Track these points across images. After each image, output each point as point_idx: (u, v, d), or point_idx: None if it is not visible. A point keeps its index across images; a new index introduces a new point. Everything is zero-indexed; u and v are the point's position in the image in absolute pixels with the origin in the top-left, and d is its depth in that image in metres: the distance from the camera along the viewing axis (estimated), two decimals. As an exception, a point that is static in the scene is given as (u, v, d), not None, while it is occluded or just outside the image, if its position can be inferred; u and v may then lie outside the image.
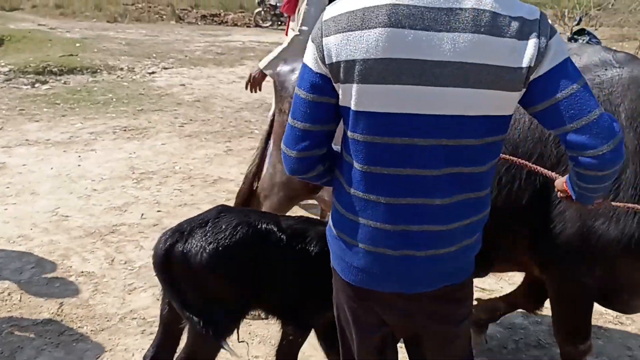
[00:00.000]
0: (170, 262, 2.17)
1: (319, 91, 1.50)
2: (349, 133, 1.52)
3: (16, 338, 3.06)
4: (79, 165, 5.54)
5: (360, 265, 1.64)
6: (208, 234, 2.14)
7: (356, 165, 1.53)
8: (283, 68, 3.31)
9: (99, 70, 9.54)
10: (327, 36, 1.45)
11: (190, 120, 7.18)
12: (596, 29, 13.96)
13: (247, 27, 17.62)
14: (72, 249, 3.99)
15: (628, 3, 18.29)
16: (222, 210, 2.29)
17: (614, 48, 2.63)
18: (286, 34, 4.57)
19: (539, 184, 2.28)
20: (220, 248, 2.13)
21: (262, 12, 17.61)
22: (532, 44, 1.38)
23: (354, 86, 1.43)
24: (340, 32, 1.42)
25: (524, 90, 1.44)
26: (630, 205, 2.14)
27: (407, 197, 1.52)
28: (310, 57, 1.50)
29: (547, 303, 3.62)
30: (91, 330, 3.14)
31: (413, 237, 1.56)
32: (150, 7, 17.41)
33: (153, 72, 9.81)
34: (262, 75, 4.15)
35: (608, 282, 2.38)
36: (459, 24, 1.36)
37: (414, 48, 1.37)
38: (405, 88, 1.40)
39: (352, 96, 1.45)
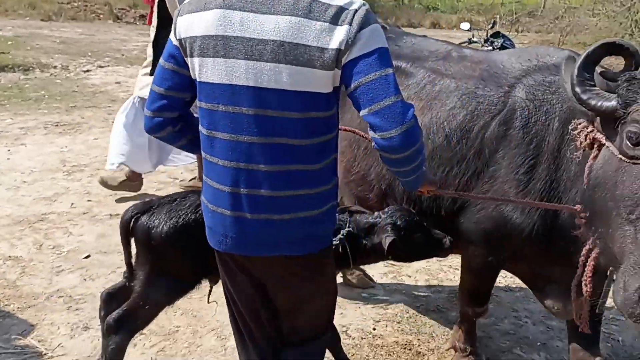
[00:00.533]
0: (133, 229, 2.39)
1: (174, 61, 1.75)
2: (197, 101, 1.75)
3: (-58, 317, 3.17)
4: (8, 159, 5.56)
5: (210, 225, 1.86)
6: (172, 211, 2.34)
7: (202, 129, 1.76)
8: None
9: (31, 68, 9.41)
10: (181, 16, 1.71)
11: (124, 116, 7.26)
12: (518, 33, 14.83)
13: (187, 27, 17.58)
14: (-1, 236, 4.09)
15: (555, 10, 19.41)
16: (191, 191, 2.50)
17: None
18: (149, 23, 4.71)
19: (478, 165, 2.47)
20: (180, 223, 2.32)
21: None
22: (343, 30, 1.57)
23: (196, 59, 1.67)
24: (189, 13, 1.69)
25: (339, 72, 1.62)
26: (454, 193, 2.44)
27: (238, 162, 1.70)
28: (172, 33, 1.75)
29: (447, 273, 4.02)
30: (18, 308, 3.28)
31: (243, 200, 1.73)
32: (86, 6, 17.08)
33: (88, 70, 9.77)
34: None
35: (519, 266, 2.62)
36: (281, 7, 1.58)
37: (242, 27, 1.60)
38: (234, 62, 1.61)
39: (196, 68, 1.69)
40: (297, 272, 1.88)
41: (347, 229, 2.40)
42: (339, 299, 3.41)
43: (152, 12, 4.61)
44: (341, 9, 1.59)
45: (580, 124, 2.03)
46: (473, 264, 2.69)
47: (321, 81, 1.62)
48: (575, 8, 18.93)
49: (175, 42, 1.73)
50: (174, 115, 1.83)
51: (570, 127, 2.10)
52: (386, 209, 2.47)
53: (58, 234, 4.19)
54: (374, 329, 3.33)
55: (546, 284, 2.56)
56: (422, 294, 3.78)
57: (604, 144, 1.93)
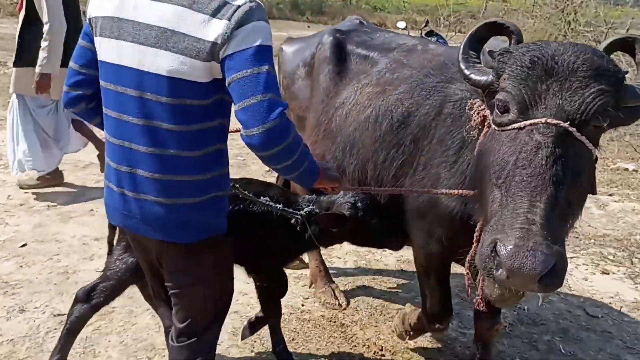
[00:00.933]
0: None
1: (88, 39, 1.85)
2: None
3: None
4: (-57, 153, 5.50)
5: (105, 198, 1.95)
6: None
7: (102, 106, 1.85)
8: (287, 48, 3.58)
9: (-33, 64, 9.21)
10: None
11: (64, 110, 7.23)
12: (455, 34, 15.40)
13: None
14: None
15: (495, 12, 20.16)
16: None
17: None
18: (18, 11, 4.70)
19: (413, 152, 2.54)
20: None
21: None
22: (222, 24, 1.61)
23: (97, 38, 1.78)
24: None
25: (217, 64, 1.65)
26: (357, 188, 2.54)
27: (123, 140, 1.78)
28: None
29: (375, 254, 4.26)
30: (-47, 294, 3.33)
31: (125, 177, 1.81)
32: (27, 1, 16.64)
33: (27, 66, 9.60)
34: (47, 77, 4.35)
35: (459, 255, 2.49)
36: None
37: (134, 11, 1.68)
38: (124, 43, 1.70)
39: (97, 47, 1.80)
40: (176, 257, 1.93)
41: (308, 209, 2.51)
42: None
43: (22, 2, 4.58)
44: (224, 3, 1.65)
45: (475, 103, 2.09)
46: (420, 257, 2.68)
47: (197, 71, 1.66)
48: (515, 10, 19.71)
49: (87, 21, 1.83)
50: (88, 92, 1.91)
51: (467, 108, 2.17)
52: (352, 192, 2.57)
53: (-6, 224, 4.23)
54: (303, 305, 3.55)
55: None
56: (350, 273, 4.03)
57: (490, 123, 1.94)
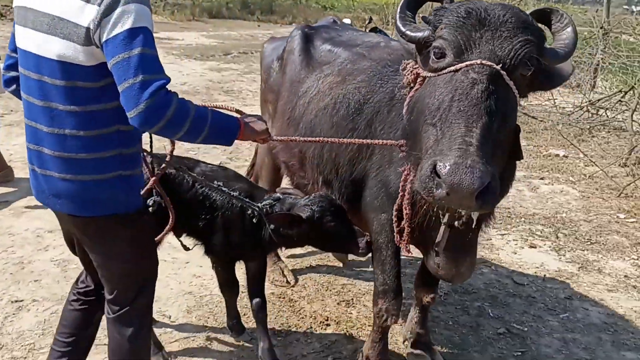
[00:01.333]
0: None
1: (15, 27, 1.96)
2: None
3: None
4: None
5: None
6: None
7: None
8: (267, 46, 3.80)
9: None
10: None
11: (12, 110, 7.21)
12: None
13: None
14: None
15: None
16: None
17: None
18: None
19: (367, 135, 2.63)
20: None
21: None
22: (93, 9, 1.70)
23: (15, 26, 1.92)
24: None
25: (98, 49, 1.74)
26: (286, 139, 2.74)
27: (30, 120, 1.93)
28: None
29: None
30: None
31: (34, 155, 1.95)
32: (-33, 2, 16.20)
33: (-30, 67, 9.43)
34: None
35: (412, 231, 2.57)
36: None
37: (35, 0, 1.81)
38: (28, 30, 1.84)
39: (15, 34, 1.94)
40: (85, 232, 2.05)
41: (266, 202, 2.59)
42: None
43: None
44: None
45: (408, 63, 2.22)
46: (374, 232, 2.68)
47: (81, 55, 1.77)
48: (459, 8, 20.33)
49: None
50: (18, 75, 2.01)
51: (400, 68, 2.26)
52: (313, 195, 2.65)
53: (-55, 220, 4.27)
54: (253, 284, 3.76)
55: (430, 248, 2.53)
56: (298, 254, 4.26)
57: (424, 76, 2.09)
